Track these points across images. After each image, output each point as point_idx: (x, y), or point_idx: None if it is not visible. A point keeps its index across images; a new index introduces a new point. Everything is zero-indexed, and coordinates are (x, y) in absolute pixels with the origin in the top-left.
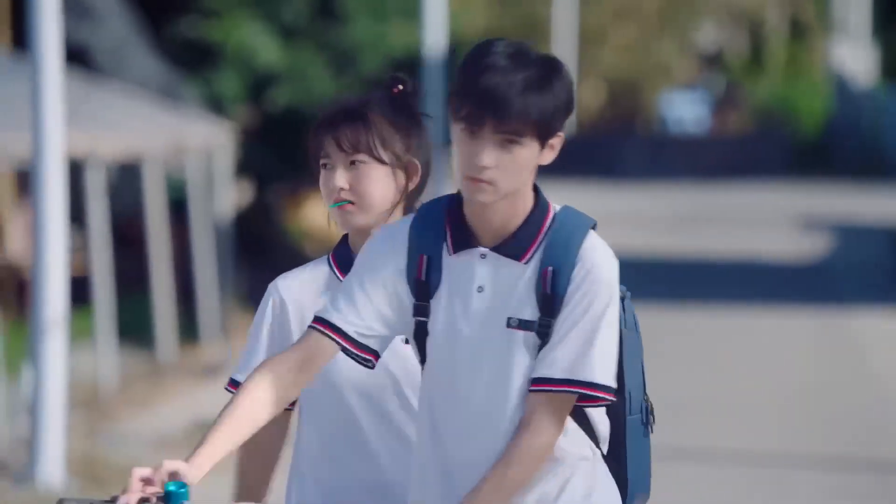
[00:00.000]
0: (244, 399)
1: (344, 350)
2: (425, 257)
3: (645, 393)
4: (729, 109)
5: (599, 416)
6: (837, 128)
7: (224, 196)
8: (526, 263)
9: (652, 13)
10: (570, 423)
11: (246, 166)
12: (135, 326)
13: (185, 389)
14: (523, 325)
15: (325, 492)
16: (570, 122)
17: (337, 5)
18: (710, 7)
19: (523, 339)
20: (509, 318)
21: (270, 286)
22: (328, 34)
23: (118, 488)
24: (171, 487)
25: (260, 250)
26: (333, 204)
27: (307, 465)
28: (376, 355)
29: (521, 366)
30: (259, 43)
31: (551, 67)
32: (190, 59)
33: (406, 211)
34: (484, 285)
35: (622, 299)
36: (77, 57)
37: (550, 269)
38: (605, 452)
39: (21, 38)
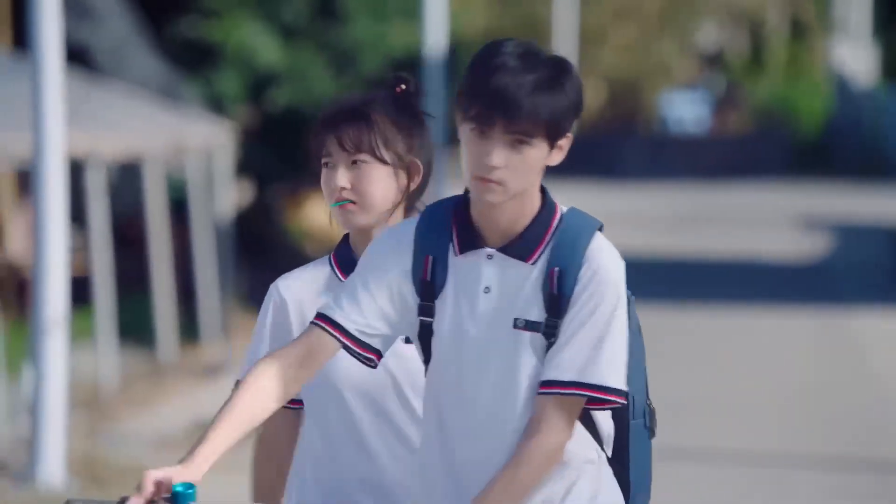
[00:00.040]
0: (244, 394)
1: (345, 347)
2: (431, 258)
3: (647, 396)
4: (729, 109)
5: (603, 419)
6: (838, 128)
7: (224, 196)
8: (533, 264)
9: (652, 13)
10: (577, 426)
11: (246, 166)
12: (135, 326)
13: (185, 389)
14: (530, 325)
15: (325, 491)
16: None
17: (337, 5)
18: (710, 7)
19: (530, 340)
20: (516, 319)
21: (272, 287)
22: (328, 34)
23: (119, 488)
24: (179, 488)
25: (260, 250)
26: (335, 203)
27: (308, 465)
28: (378, 354)
29: (527, 366)
30: (259, 43)
31: (561, 68)
32: (190, 59)
33: (407, 211)
34: (490, 286)
35: (627, 302)
36: (77, 57)
37: (557, 269)
38: (609, 455)
39: (21, 37)
